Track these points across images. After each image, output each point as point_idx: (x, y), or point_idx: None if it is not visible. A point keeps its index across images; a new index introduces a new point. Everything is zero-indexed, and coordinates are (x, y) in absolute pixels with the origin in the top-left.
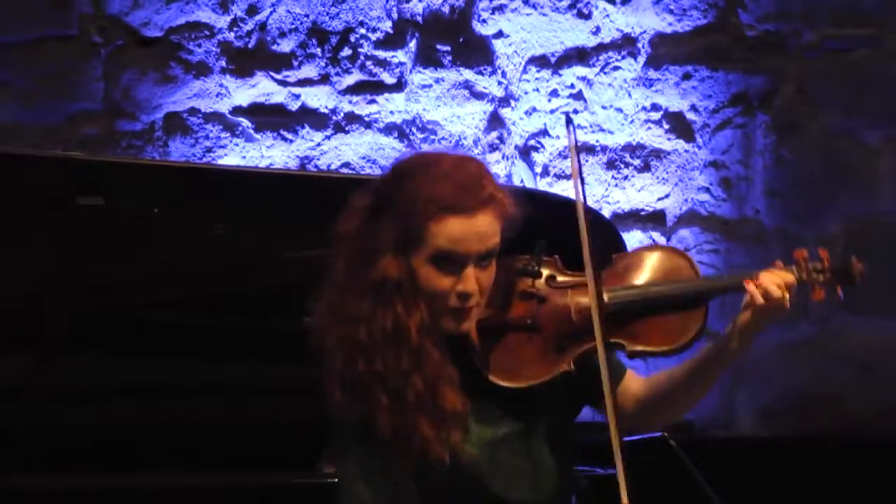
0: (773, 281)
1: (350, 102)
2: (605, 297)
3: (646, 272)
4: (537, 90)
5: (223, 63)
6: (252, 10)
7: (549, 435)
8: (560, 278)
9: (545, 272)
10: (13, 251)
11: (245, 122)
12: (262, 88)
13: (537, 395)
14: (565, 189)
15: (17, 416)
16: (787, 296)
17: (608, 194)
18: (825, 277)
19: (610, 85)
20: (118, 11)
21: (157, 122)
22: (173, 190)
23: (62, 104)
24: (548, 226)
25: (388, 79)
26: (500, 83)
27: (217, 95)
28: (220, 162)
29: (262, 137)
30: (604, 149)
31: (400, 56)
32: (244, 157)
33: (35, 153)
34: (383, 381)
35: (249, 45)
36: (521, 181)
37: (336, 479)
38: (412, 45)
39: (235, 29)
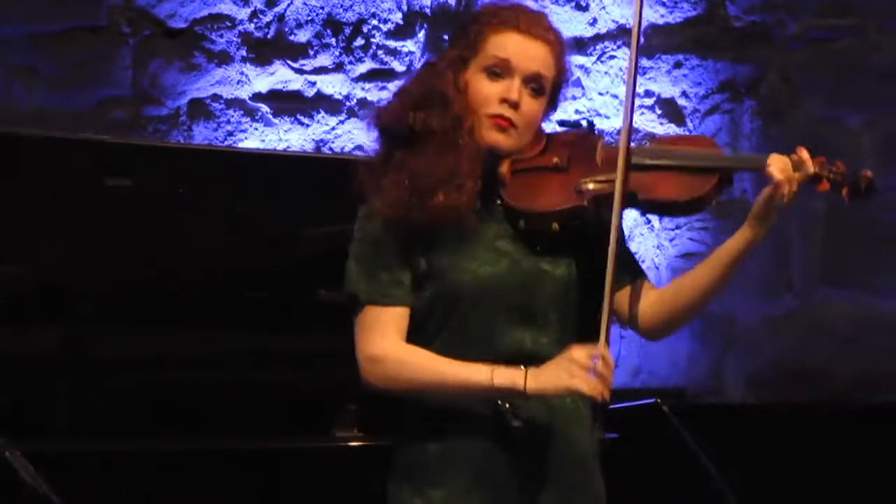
0: (779, 166)
1: (363, 89)
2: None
3: (674, 145)
4: None
5: (243, 52)
6: (271, 3)
7: (577, 277)
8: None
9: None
10: (45, 229)
11: (264, 108)
12: (280, 76)
13: (560, 238)
14: None
15: (54, 383)
16: (792, 181)
17: None
18: (834, 175)
19: (606, 73)
20: (145, 4)
21: (181, 107)
22: (197, 171)
23: (92, 91)
24: None
25: (399, 67)
26: None
27: (238, 83)
28: (240, 145)
29: (280, 122)
30: (600, 133)
31: (409, 46)
32: (263, 141)
33: (66, 136)
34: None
35: (268, 36)
36: None
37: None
38: (421, 35)
39: (255, 20)
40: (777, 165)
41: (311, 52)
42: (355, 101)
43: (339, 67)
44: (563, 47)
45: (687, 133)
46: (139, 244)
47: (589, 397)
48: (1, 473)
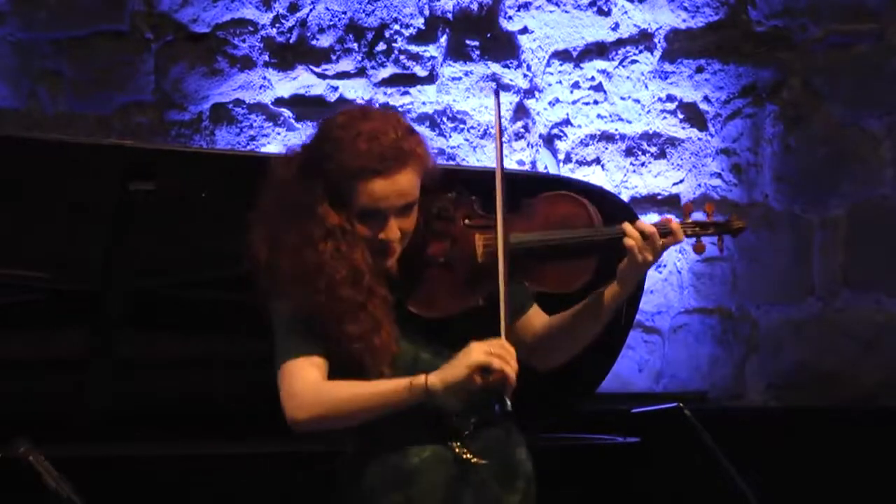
0: (632, 237)
1: (385, 94)
2: (509, 239)
3: (547, 218)
4: (560, 82)
5: (266, 57)
6: (293, 8)
7: None
8: (470, 221)
9: (460, 214)
10: (70, 232)
11: (287, 113)
12: (303, 81)
13: (455, 324)
14: (586, 175)
15: (80, 387)
16: (655, 244)
17: (626, 180)
18: (704, 231)
19: (628, 77)
20: (168, 9)
21: (204, 112)
22: (219, 176)
23: (115, 95)
24: None
25: (421, 72)
26: (525, 76)
27: (260, 87)
28: (263, 150)
29: (303, 127)
30: (622, 137)
31: (431, 51)
32: (286, 146)
33: (90, 141)
34: (339, 316)
35: (291, 41)
36: (545, 168)
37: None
38: (443, 40)
39: (277, 25)
40: (630, 237)
41: (334, 57)
42: (378, 105)
43: (361, 72)
44: (423, 152)
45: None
46: (162, 248)
47: (497, 373)
48: (24, 477)
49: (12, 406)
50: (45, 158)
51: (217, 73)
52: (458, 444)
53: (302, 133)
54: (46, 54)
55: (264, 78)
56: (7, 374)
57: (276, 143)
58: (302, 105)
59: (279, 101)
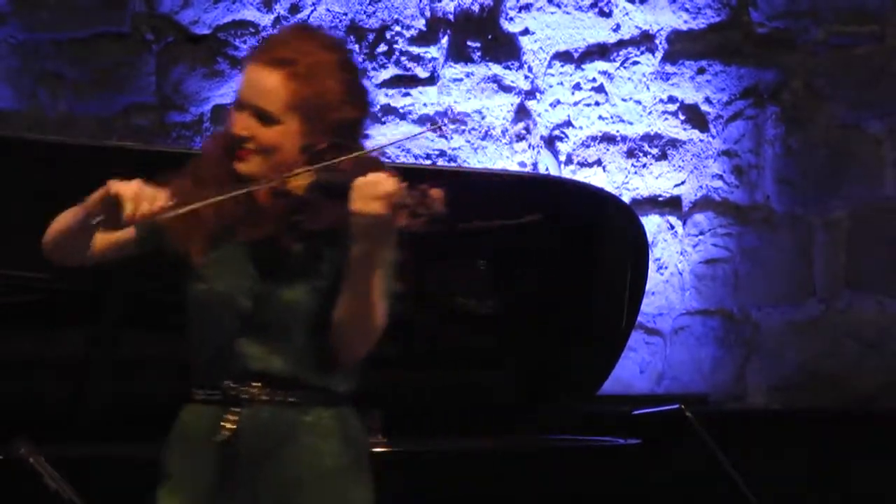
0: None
1: (386, 95)
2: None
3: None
4: (561, 84)
5: None
6: (294, 9)
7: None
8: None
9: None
10: None
11: None
12: None
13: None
14: (587, 176)
15: (82, 387)
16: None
17: (628, 181)
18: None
19: (629, 79)
20: (169, 10)
21: (205, 113)
22: None
23: (116, 97)
24: (568, 210)
25: (422, 73)
26: (526, 77)
27: None
28: None
29: None
30: (624, 138)
31: (433, 52)
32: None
33: (92, 143)
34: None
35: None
36: (546, 169)
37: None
38: (444, 41)
39: (278, 27)
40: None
41: None
42: (379, 107)
43: (362, 73)
44: (312, 67)
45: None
46: None
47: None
48: (26, 478)
49: (12, 406)
50: (47, 159)
51: (218, 75)
52: None
53: None
54: (47, 56)
55: None
56: (7, 374)
57: None
58: None
59: None
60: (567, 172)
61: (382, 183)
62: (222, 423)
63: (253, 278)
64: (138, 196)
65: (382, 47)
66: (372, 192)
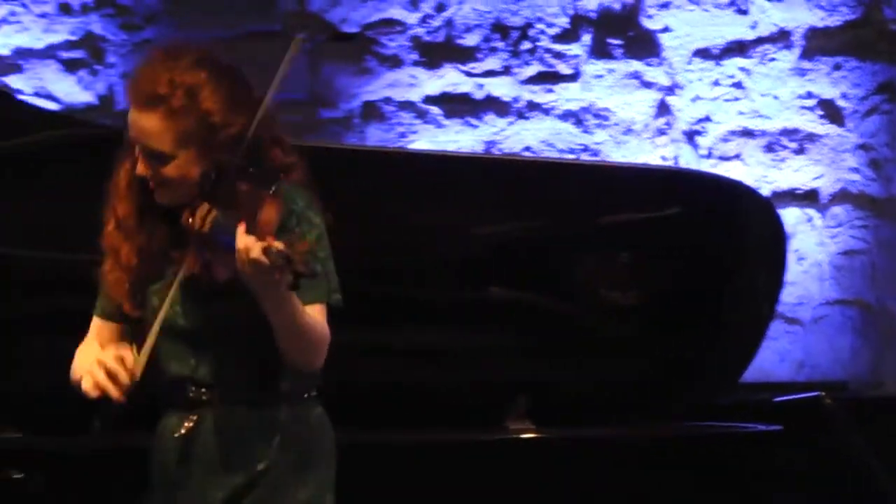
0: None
1: (530, 91)
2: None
3: None
4: (701, 80)
5: (415, 56)
6: (440, 7)
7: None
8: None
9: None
10: None
11: (434, 110)
12: (450, 79)
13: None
14: (727, 170)
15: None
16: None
17: (767, 175)
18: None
19: (767, 75)
20: (319, 9)
21: (354, 110)
22: (370, 172)
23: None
24: (708, 203)
25: (565, 70)
26: (666, 73)
27: (409, 85)
28: (411, 146)
29: (450, 124)
30: (762, 133)
31: (575, 49)
32: (434, 142)
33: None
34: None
35: (438, 40)
36: (687, 163)
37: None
38: (586, 39)
39: (425, 25)
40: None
41: (480, 56)
42: (523, 103)
43: (506, 70)
44: (186, 95)
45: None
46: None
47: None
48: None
49: None
50: None
51: (366, 72)
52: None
53: (450, 130)
54: None
55: (412, 76)
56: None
57: (424, 139)
58: (449, 102)
59: (427, 99)
60: (706, 166)
61: (247, 247)
62: (185, 424)
63: (184, 302)
64: (112, 374)
65: (526, 45)
66: (241, 256)
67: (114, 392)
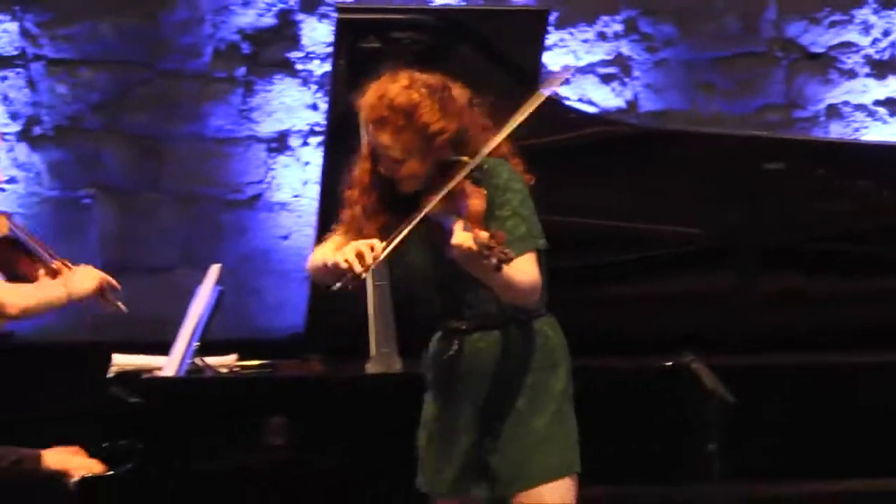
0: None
1: None
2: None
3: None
4: None
5: (867, 69)
6: (886, 33)
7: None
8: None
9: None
10: (719, 200)
11: (881, 111)
12: (894, 87)
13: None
14: None
15: (725, 315)
16: (466, 246)
17: None
18: (490, 252)
19: None
20: (793, 35)
21: (820, 111)
22: (827, 157)
23: (753, 100)
24: None
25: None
26: None
27: (861, 92)
28: (863, 139)
29: (893, 121)
30: None
31: None
32: (881, 135)
33: (735, 133)
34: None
35: (884, 58)
36: None
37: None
38: None
39: (874, 46)
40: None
41: None
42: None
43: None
44: (404, 115)
45: None
46: (784, 213)
47: None
48: (686, 381)
49: (676, 328)
50: (704, 146)
51: (829, 82)
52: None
53: (893, 126)
54: (703, 69)
55: (864, 85)
56: (671, 306)
57: (872, 134)
58: (892, 105)
59: (876, 103)
60: None
61: (460, 242)
62: (452, 348)
63: (434, 256)
64: (360, 254)
65: None
66: (454, 238)
67: (357, 268)
